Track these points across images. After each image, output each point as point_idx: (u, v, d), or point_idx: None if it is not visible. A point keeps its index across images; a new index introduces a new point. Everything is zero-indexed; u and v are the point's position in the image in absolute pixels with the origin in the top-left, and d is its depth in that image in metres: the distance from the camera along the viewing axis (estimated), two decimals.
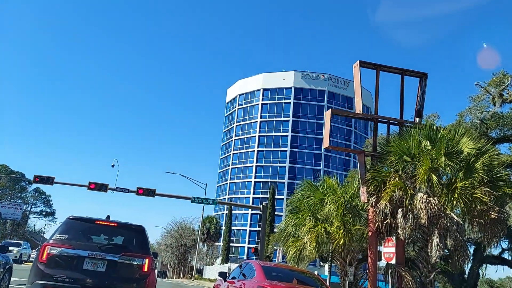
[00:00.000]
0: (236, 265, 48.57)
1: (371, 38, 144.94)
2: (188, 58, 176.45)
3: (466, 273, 29.01)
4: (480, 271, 32.60)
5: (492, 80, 26.06)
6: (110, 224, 8.54)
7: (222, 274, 11.62)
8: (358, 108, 15.60)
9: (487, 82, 26.12)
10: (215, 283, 12.34)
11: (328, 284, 17.41)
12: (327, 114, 15.31)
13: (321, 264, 36.78)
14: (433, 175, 13.96)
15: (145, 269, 7.88)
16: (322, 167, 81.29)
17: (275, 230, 49.95)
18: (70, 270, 7.46)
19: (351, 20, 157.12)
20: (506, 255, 29.64)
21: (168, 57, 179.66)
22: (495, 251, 29.09)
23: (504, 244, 29.29)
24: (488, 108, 27.15)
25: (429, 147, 14.92)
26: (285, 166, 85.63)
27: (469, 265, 27.87)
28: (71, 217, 8.36)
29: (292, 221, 16.44)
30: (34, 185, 76.95)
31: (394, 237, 15.70)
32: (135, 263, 7.87)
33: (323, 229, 15.06)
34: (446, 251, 15.92)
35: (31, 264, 8.12)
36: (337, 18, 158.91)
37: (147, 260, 7.96)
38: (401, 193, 14.33)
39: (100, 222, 8.48)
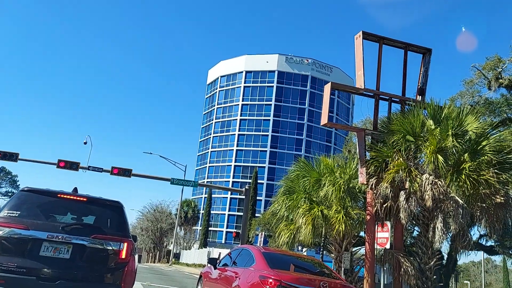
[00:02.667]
0: (216, 250, 47.84)
1: (356, 22, 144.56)
2: (169, 37, 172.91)
3: (445, 258, 28.95)
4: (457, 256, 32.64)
5: (487, 64, 25.57)
6: (78, 198, 6.75)
7: (212, 261, 10.23)
8: (359, 83, 14.55)
9: (482, 65, 25.58)
10: (202, 270, 10.90)
11: None
12: (327, 88, 14.21)
13: (299, 248, 36.00)
14: (439, 156, 13.12)
15: (123, 256, 6.26)
16: (303, 153, 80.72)
17: (256, 214, 49.21)
18: (22, 256, 5.78)
19: (336, 3, 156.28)
20: (483, 241, 29.54)
21: (148, 36, 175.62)
22: (474, 237, 29.15)
23: (482, 230, 29.29)
24: (480, 93, 26.73)
25: (433, 127, 14.09)
26: (266, 151, 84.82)
27: (447, 250, 27.70)
28: (25, 189, 6.61)
29: (285, 203, 15.36)
30: None
31: (389, 222, 14.91)
32: (110, 248, 6.23)
33: (320, 212, 14.03)
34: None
35: None
36: (322, 1, 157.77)
37: (125, 244, 6.33)
38: (404, 174, 13.45)
39: (65, 196, 6.70)
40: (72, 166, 32.44)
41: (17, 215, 6.10)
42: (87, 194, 7.00)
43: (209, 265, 10.37)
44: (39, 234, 5.91)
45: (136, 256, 7.09)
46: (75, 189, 7.22)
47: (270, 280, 7.09)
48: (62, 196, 6.71)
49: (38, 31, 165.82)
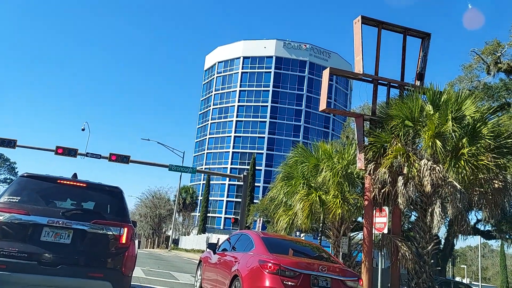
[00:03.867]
0: (215, 235, 48.09)
1: (354, 6, 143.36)
2: (166, 22, 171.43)
3: (442, 243, 29.16)
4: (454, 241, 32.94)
5: (486, 48, 25.43)
6: (78, 184, 6.77)
7: (211, 246, 10.31)
8: (358, 68, 14.44)
9: (481, 50, 25.45)
10: (202, 256, 10.97)
11: None
12: (325, 73, 14.11)
13: (297, 234, 36.20)
14: (437, 141, 13.10)
15: (123, 241, 6.28)
16: (301, 139, 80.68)
17: (255, 200, 49.37)
18: (23, 242, 5.77)
19: None
20: (480, 226, 29.77)
21: (145, 21, 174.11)
22: (471, 222, 29.32)
23: (479, 214, 29.47)
24: (479, 78, 26.65)
25: (432, 112, 14.04)
26: (264, 137, 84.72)
27: (445, 235, 27.90)
28: (25, 175, 6.62)
29: (283, 189, 15.36)
30: None
31: (387, 207, 14.96)
32: (110, 233, 6.25)
33: (317, 198, 14.04)
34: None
35: None
36: None
37: (125, 229, 6.35)
38: (403, 159, 13.45)
39: (64, 182, 6.69)
40: (70, 152, 32.34)
41: (17, 200, 6.10)
42: (86, 180, 7.02)
43: (208, 250, 10.40)
44: (39, 219, 5.92)
45: (136, 241, 7.11)
46: (75, 175, 7.21)
47: (270, 264, 7.15)
48: (61, 181, 6.70)
49: (34, 15, 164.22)
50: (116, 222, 6.36)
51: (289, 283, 7.00)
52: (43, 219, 5.92)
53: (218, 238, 35.40)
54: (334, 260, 8.51)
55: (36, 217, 5.92)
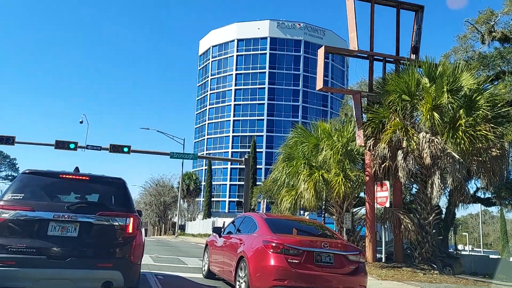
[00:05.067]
0: (220, 219, 48.61)
1: None
2: (158, 9, 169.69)
3: (443, 213, 29.46)
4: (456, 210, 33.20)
5: (479, 17, 25.24)
6: (81, 178, 6.81)
7: (216, 229, 10.53)
8: (353, 45, 14.51)
9: (475, 19, 25.28)
10: (208, 239, 11.23)
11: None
12: (320, 52, 14.19)
13: (301, 213, 36.53)
14: (435, 113, 13.27)
15: (130, 230, 6.36)
16: (300, 119, 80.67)
17: (257, 182, 49.76)
18: (30, 237, 5.84)
19: None
20: (480, 194, 30.00)
21: (136, 8, 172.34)
22: (471, 191, 29.51)
23: (478, 183, 29.69)
24: (474, 48, 26.54)
25: (428, 84, 14.15)
26: (263, 120, 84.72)
27: (446, 204, 28.13)
28: (27, 171, 6.65)
29: (285, 170, 15.56)
30: None
31: (388, 181, 15.20)
32: (116, 223, 6.31)
33: (320, 177, 14.25)
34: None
35: None
36: None
37: (131, 219, 6.41)
38: (401, 133, 13.64)
39: (67, 176, 6.73)
40: (70, 146, 32.44)
41: (21, 197, 6.15)
42: (89, 173, 7.05)
43: (214, 234, 10.67)
44: (45, 214, 5.99)
45: (143, 230, 7.22)
46: (77, 169, 7.26)
47: (274, 244, 7.37)
48: (64, 176, 6.74)
49: (32, 10, 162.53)
50: (122, 213, 6.42)
51: (294, 260, 7.26)
52: (49, 214, 6.01)
53: (224, 222, 35.82)
54: (337, 237, 8.72)
55: (42, 213, 6.00)
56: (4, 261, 5.57)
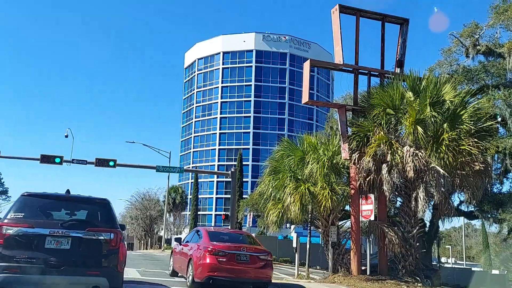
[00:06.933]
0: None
1: None
2: (143, 22, 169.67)
3: (427, 226, 29.59)
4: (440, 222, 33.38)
5: (464, 30, 25.48)
6: (72, 199, 8.10)
7: (178, 239, 14.08)
8: (338, 58, 14.59)
9: (459, 33, 25.57)
10: (173, 246, 14.42)
11: (308, 246, 16.85)
12: (306, 66, 14.25)
13: (287, 226, 36.33)
14: (418, 127, 13.37)
15: (114, 244, 7.54)
16: (286, 132, 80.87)
17: (244, 195, 49.47)
18: (31, 250, 7.02)
19: None
20: (463, 207, 30.30)
21: (120, 20, 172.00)
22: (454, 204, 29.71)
23: (461, 196, 29.96)
24: (458, 62, 26.82)
25: (412, 98, 14.28)
26: (249, 132, 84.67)
27: (429, 218, 28.24)
28: (25, 194, 7.81)
29: (271, 183, 15.50)
30: None
31: (373, 195, 15.23)
32: (102, 238, 7.48)
33: (306, 190, 14.22)
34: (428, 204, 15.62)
35: None
36: None
37: (114, 234, 7.58)
38: (386, 147, 13.70)
39: (60, 198, 8.02)
40: (56, 160, 31.95)
41: (22, 216, 7.27)
42: (78, 195, 8.31)
43: (176, 242, 14.13)
44: (42, 230, 7.10)
45: (126, 243, 9.22)
46: (68, 191, 8.43)
47: (209, 249, 10.84)
48: (57, 198, 7.98)
49: (14, 25, 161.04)
50: (107, 229, 7.54)
51: (222, 259, 10.69)
52: (46, 230, 7.12)
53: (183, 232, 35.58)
54: (256, 243, 12.24)
55: (40, 229, 7.11)
56: (10, 269, 6.83)
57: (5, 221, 7.16)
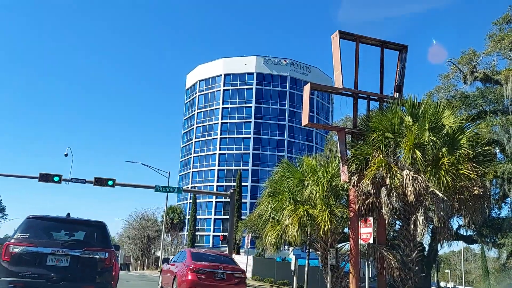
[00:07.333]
0: None
1: (332, 20, 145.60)
2: (146, 42, 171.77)
3: (426, 250, 29.45)
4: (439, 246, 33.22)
5: (462, 58, 25.97)
6: (71, 221, 9.08)
7: (166, 259, 17.24)
8: (338, 83, 14.80)
9: (457, 59, 26.02)
10: (162, 266, 16.85)
11: (306, 269, 16.79)
12: (306, 89, 14.43)
13: (286, 248, 36.07)
14: (417, 151, 13.46)
15: (107, 262, 8.39)
16: (285, 153, 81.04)
17: (242, 217, 49.25)
18: (34, 266, 7.82)
19: (311, 1, 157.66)
20: (462, 231, 30.26)
21: (126, 42, 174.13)
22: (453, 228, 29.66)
23: (460, 220, 29.95)
24: (456, 87, 27.17)
25: (411, 123, 14.42)
26: (248, 153, 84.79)
27: (428, 241, 28.13)
28: (30, 216, 8.64)
29: (270, 204, 15.53)
30: None
31: (372, 218, 15.22)
32: (97, 256, 8.31)
33: (305, 212, 14.25)
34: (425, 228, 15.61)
35: None
36: (301, 3, 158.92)
37: (108, 253, 8.45)
38: (385, 170, 13.75)
39: (61, 220, 8.97)
40: (54, 179, 31.93)
41: (27, 236, 8.13)
42: (77, 218, 9.34)
43: (164, 263, 16.58)
44: (44, 249, 7.97)
45: (119, 261, 10.15)
46: (68, 214, 9.23)
47: (191, 267, 12.60)
48: (58, 220, 8.92)
49: (16, 39, 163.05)
50: (102, 248, 8.45)
51: (201, 276, 12.44)
52: (48, 249, 7.98)
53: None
54: (234, 263, 14.33)
55: (42, 248, 7.97)
56: (15, 283, 7.66)
57: (12, 240, 8.05)
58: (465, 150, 13.39)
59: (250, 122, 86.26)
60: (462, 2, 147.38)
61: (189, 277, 12.30)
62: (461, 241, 31.90)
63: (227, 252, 28.69)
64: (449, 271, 73.68)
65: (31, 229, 8.29)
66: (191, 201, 73.40)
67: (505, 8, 24.62)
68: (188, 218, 70.06)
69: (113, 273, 8.49)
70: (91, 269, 8.20)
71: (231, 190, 36.21)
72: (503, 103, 23.67)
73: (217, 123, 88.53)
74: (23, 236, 8.10)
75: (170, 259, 15.63)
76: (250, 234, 33.85)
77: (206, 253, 15.01)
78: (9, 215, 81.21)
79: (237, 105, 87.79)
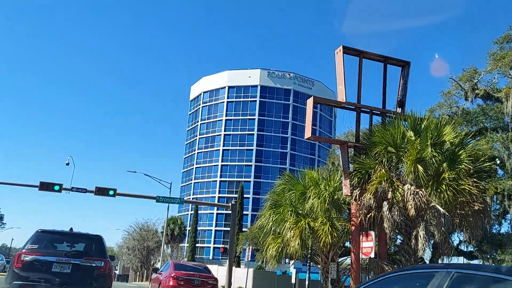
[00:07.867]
0: None
1: (336, 35, 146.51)
2: (151, 53, 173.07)
3: None
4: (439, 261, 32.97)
5: (463, 75, 26.19)
6: (73, 235, 10.73)
7: (155, 269, 21.00)
8: (341, 97, 14.96)
9: (459, 76, 26.25)
10: (151, 276, 20.50)
11: (307, 283, 16.77)
12: (309, 102, 14.59)
13: (287, 261, 35.89)
14: (419, 166, 13.55)
15: (103, 269, 9.88)
16: (287, 166, 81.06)
17: (244, 229, 49.10)
18: (41, 272, 9.21)
19: (315, 17, 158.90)
20: (462, 247, 30.07)
21: (130, 52, 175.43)
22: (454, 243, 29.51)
23: (461, 236, 29.80)
24: (458, 104, 27.35)
25: (413, 138, 14.53)
26: (251, 165, 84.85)
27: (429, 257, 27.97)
28: (39, 230, 10.17)
29: (272, 217, 15.58)
30: None
31: (373, 232, 15.25)
32: (95, 265, 9.77)
33: (307, 225, 14.29)
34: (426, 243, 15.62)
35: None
36: (302, 15, 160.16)
37: (104, 262, 9.96)
38: (387, 185, 13.83)
39: (65, 234, 10.65)
40: (55, 188, 31.86)
41: (36, 247, 9.58)
42: (78, 232, 11.02)
43: (154, 272, 20.27)
44: (50, 258, 9.40)
45: (113, 269, 12.00)
46: (71, 229, 10.96)
47: (172, 275, 15.39)
48: (62, 234, 10.57)
49: (16, 45, 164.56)
50: (99, 258, 9.93)
51: (181, 282, 15.20)
52: (53, 258, 9.43)
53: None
54: (208, 272, 17.24)
55: (49, 257, 9.41)
56: (26, 286, 9.00)
57: (23, 250, 9.49)
58: (465, 166, 13.48)
59: (253, 134, 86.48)
60: (463, 19, 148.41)
61: (171, 283, 15.16)
62: (462, 257, 31.77)
63: (227, 264, 28.69)
64: None
65: (40, 241, 9.75)
66: (192, 212, 73.27)
67: (506, 27, 24.91)
68: (189, 230, 69.79)
69: (108, 279, 10.00)
70: (89, 275, 9.61)
71: (233, 202, 36.11)
72: (504, 120, 23.81)
73: (220, 134, 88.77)
74: (33, 247, 9.56)
75: (158, 269, 19.06)
76: (251, 247, 33.77)
77: (185, 264, 18.48)
78: (7, 223, 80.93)
79: (240, 117, 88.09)
